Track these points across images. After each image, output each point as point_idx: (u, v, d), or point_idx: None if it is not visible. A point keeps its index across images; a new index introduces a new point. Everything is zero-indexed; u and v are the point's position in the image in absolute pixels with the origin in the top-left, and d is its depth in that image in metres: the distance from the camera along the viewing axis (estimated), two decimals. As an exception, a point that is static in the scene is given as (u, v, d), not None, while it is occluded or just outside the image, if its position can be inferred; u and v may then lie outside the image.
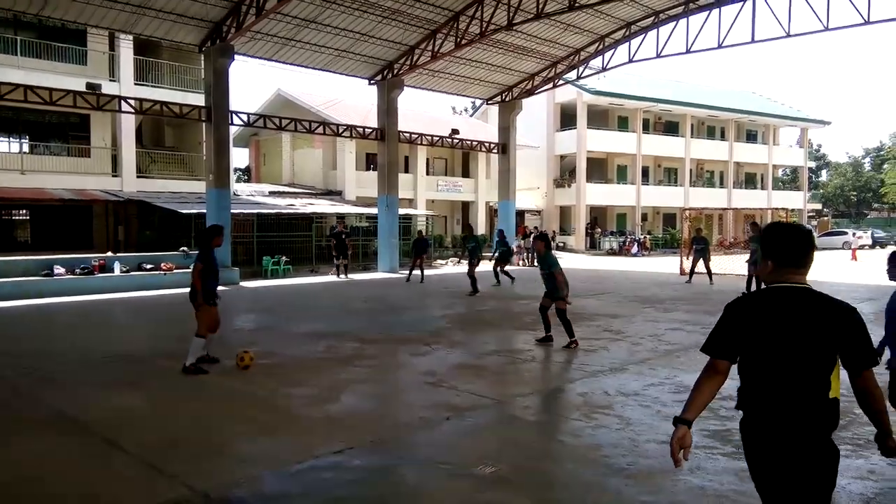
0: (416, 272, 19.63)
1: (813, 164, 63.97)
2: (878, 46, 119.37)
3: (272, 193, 28.99)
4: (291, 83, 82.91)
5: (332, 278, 20.80)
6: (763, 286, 2.69)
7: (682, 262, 22.39)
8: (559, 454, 5.06)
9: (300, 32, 19.98)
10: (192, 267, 7.63)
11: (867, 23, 18.32)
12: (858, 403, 2.66)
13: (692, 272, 18.91)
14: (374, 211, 25.01)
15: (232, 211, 20.16)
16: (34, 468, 4.71)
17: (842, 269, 24.48)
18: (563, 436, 5.50)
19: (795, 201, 49.61)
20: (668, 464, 4.69)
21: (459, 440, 5.35)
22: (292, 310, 13.69)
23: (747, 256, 17.01)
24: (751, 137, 49.30)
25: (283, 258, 22.38)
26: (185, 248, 19.21)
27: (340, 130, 24.54)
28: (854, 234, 41.38)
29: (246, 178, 41.06)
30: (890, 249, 14.93)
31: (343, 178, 31.48)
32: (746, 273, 15.92)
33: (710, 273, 18.55)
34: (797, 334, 2.55)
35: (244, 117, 21.85)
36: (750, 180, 49.65)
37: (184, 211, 21.09)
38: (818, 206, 58.60)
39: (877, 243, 42.34)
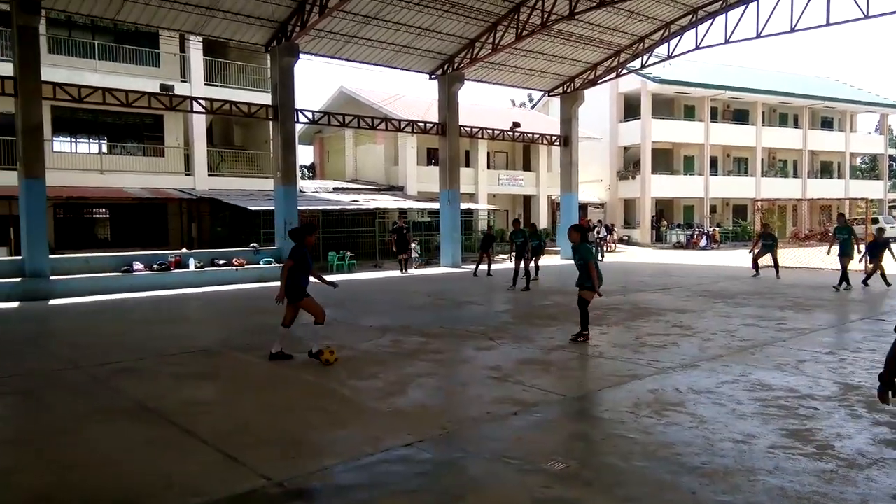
0: (483, 266, 19.54)
1: (894, 152, 60.59)
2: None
3: (336, 189, 29.52)
4: (353, 80, 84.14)
5: (395, 273, 21.03)
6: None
7: (754, 255, 21.62)
8: (630, 451, 4.97)
9: (362, 29, 20.22)
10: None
11: (957, -1, 17.21)
12: None
13: (756, 265, 18.42)
14: (435, 206, 25.14)
15: (298, 207, 20.63)
16: (115, 454, 4.94)
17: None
18: (633, 433, 5.39)
19: (876, 191, 47.17)
20: (744, 463, 4.57)
21: (527, 435, 5.32)
22: (358, 304, 13.90)
23: (829, 249, 16.38)
24: (826, 124, 47.11)
25: (348, 253, 22.77)
26: (255, 245, 19.79)
27: (402, 126, 24.74)
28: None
29: (311, 174, 41.90)
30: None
31: (405, 174, 31.76)
32: (840, 266, 15.20)
33: (777, 267, 18.00)
34: None
35: (309, 115, 22.27)
36: (826, 169, 47.49)
37: (253, 208, 21.70)
38: (901, 195, 55.45)
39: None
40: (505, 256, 27.70)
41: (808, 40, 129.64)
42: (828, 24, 19.45)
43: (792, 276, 18.22)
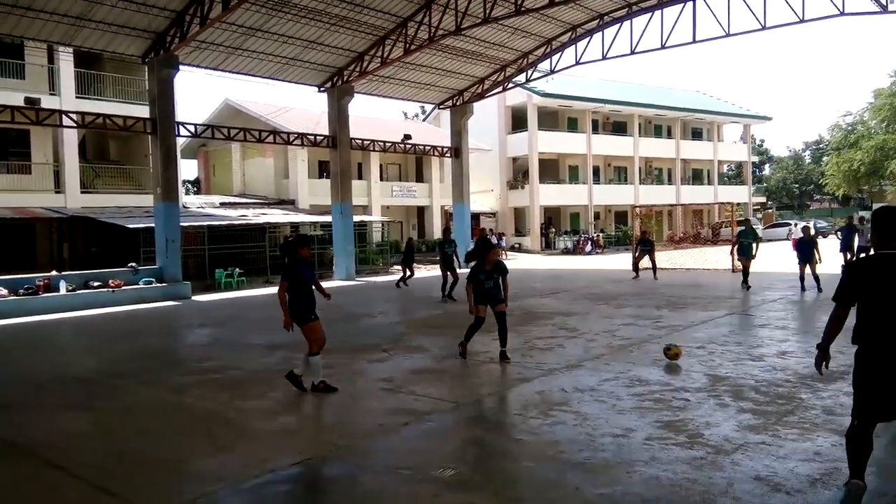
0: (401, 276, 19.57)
1: (756, 159, 66.00)
2: (813, 43, 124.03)
3: (223, 205, 28.51)
4: (240, 92, 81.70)
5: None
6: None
7: (634, 257, 22.82)
8: (519, 453, 5.10)
9: (247, 41, 19.72)
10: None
11: (802, 21, 19.06)
12: None
13: (636, 267, 19.62)
14: (328, 219, 24.82)
15: (181, 224, 19.75)
16: (-23, 498, 4.53)
17: (786, 259, 25.29)
18: (521, 434, 5.54)
19: (741, 195, 51.10)
20: (623, 456, 4.80)
21: (419, 444, 5.34)
22: (246, 322, 13.47)
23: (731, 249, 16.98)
24: (696, 135, 50.63)
25: (237, 270, 22.03)
26: (133, 264, 18.74)
27: (291, 139, 24.29)
28: (797, 226, 42.80)
29: (195, 189, 40.27)
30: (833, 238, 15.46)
31: (296, 187, 31.17)
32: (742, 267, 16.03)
33: (655, 269, 19.15)
34: None
35: (191, 128, 21.43)
36: (697, 176, 50.97)
37: (131, 226, 20.56)
38: (762, 200, 60.44)
39: (819, 233, 43.82)
40: (400, 268, 27.76)
41: (677, 56, 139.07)
42: (694, 41, 20.99)
43: (667, 276, 19.37)
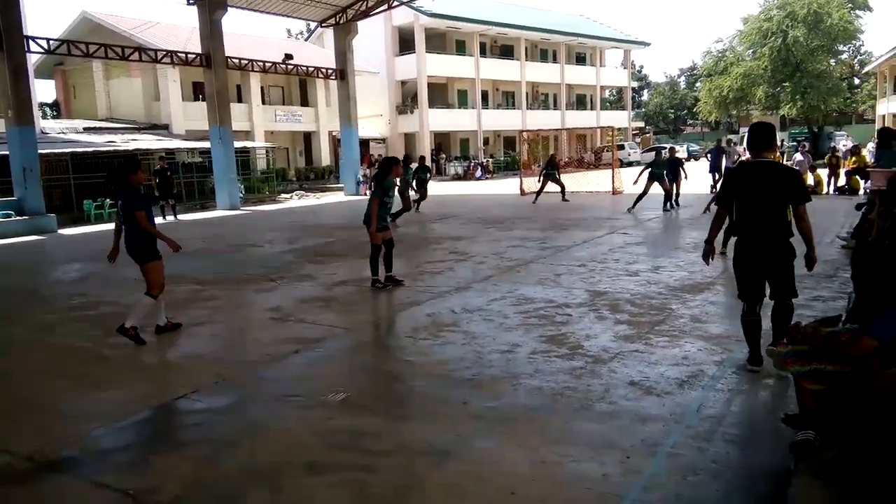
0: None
1: (636, 85, 68.25)
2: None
3: (87, 130, 26.23)
4: (98, 4, 74.19)
5: (159, 221, 19.35)
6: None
7: (521, 182, 23.32)
8: (409, 374, 5.16)
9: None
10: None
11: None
12: (796, 226, 4.50)
13: (540, 193, 19.68)
14: (207, 145, 23.45)
15: (40, 151, 18.03)
16: None
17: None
18: (411, 356, 5.60)
19: (621, 120, 53.00)
20: (509, 370, 4.96)
21: (308, 372, 5.29)
22: (120, 255, 12.65)
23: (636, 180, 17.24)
24: (580, 60, 51.51)
25: (108, 200, 20.54)
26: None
27: (160, 57, 22.44)
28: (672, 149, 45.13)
29: (54, 113, 36.71)
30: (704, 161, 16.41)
31: (168, 111, 29.08)
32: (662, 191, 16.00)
33: (563, 191, 19.48)
34: (767, 186, 4.51)
35: (44, 44, 19.28)
36: (581, 101, 52.20)
37: (-21, 153, 18.52)
38: (641, 124, 63.08)
39: (691, 156, 46.45)
40: (288, 196, 26.96)
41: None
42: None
43: (552, 199, 19.94)
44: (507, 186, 26.89)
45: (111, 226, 17.83)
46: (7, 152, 17.51)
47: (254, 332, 6.73)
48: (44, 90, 37.63)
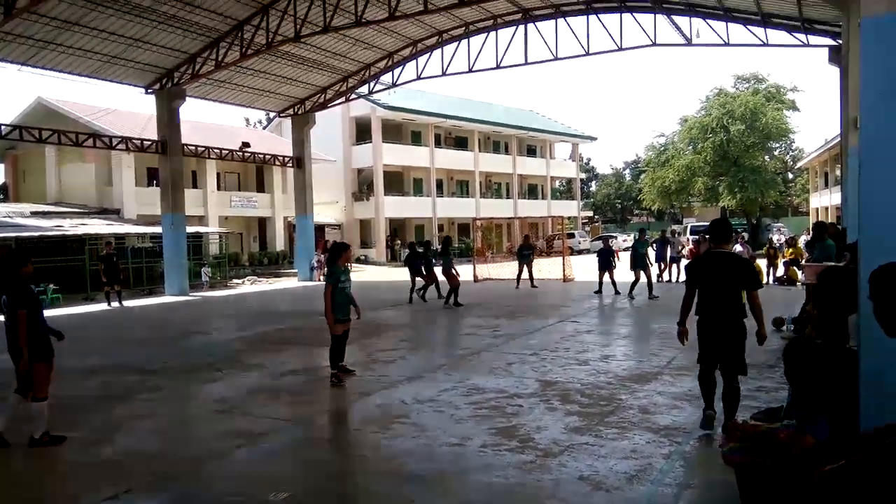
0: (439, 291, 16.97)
1: (584, 176, 71.00)
2: (632, 69, 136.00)
3: (35, 214, 25.68)
4: (57, 91, 74.28)
5: (105, 307, 18.81)
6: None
7: (474, 269, 23.58)
8: (357, 469, 5.04)
9: (62, 35, 17.94)
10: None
11: (620, 49, 20.84)
12: (749, 307, 5.29)
13: (520, 278, 19.62)
14: (158, 230, 23.18)
15: (-18, 235, 17.54)
16: None
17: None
18: (361, 450, 5.48)
19: (571, 210, 54.68)
20: (459, 464, 4.89)
21: (252, 469, 5.09)
22: (62, 344, 12.18)
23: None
24: (531, 151, 53.52)
25: (51, 286, 19.91)
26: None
27: (115, 143, 22.47)
28: (619, 238, 46.59)
29: (2, 197, 35.95)
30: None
31: (121, 195, 28.79)
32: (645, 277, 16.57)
33: (531, 277, 19.64)
34: (724, 274, 5.31)
35: (-6, 128, 19.14)
36: (532, 191, 53.84)
37: (-83, 237, 17.92)
38: (590, 214, 65.11)
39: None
40: (240, 281, 26.59)
41: (512, 75, 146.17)
42: (526, 62, 22.18)
43: (507, 286, 20.18)
44: (460, 273, 27.07)
45: (54, 311, 17.24)
46: (-54, 236, 16.99)
47: (197, 425, 6.49)
48: (-9, 173, 36.95)
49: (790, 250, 19.90)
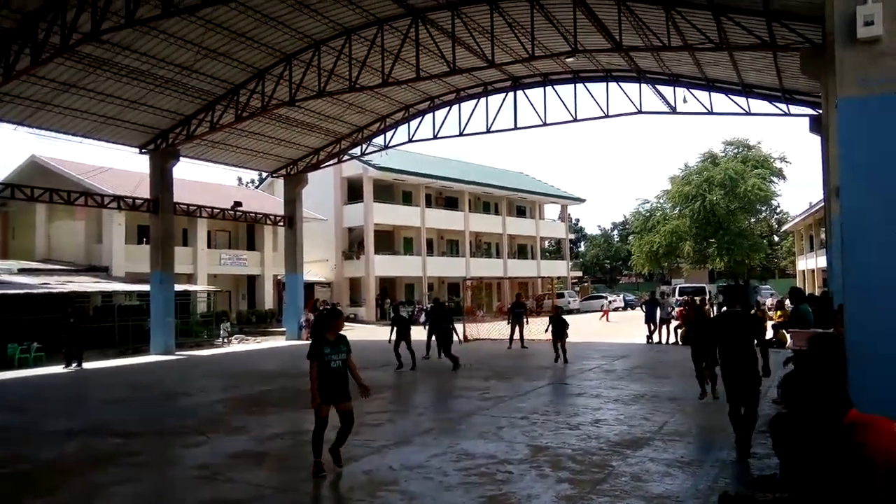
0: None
1: (573, 236, 71.65)
2: (619, 132, 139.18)
3: (22, 271, 25.52)
4: (52, 149, 74.81)
5: (93, 365, 18.49)
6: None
7: (464, 328, 23.46)
8: None
9: (59, 97, 18.25)
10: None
11: (607, 116, 21.41)
12: (759, 351, 6.72)
13: (512, 338, 19.27)
14: (146, 288, 23.04)
15: (-33, 293, 17.36)
16: None
17: (599, 330, 27.37)
18: (346, 519, 5.33)
19: (560, 270, 54.95)
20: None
21: (234, 538, 4.95)
22: (42, 405, 11.94)
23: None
24: (521, 212, 54.15)
25: (35, 344, 19.62)
26: None
27: (106, 202, 22.56)
28: (609, 299, 46.77)
29: (-11, 253, 35.72)
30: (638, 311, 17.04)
31: (110, 253, 28.73)
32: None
33: (522, 338, 19.24)
34: (739, 329, 6.63)
35: (-14, 186, 19.21)
36: (522, 251, 54.19)
37: None
38: (579, 274, 65.40)
39: (628, 305, 48.19)
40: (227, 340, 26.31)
41: (502, 138, 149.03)
42: (515, 127, 22.71)
43: (496, 347, 20.05)
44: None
45: (37, 370, 16.94)
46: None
47: (178, 492, 6.31)
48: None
49: (779, 313, 19.99)
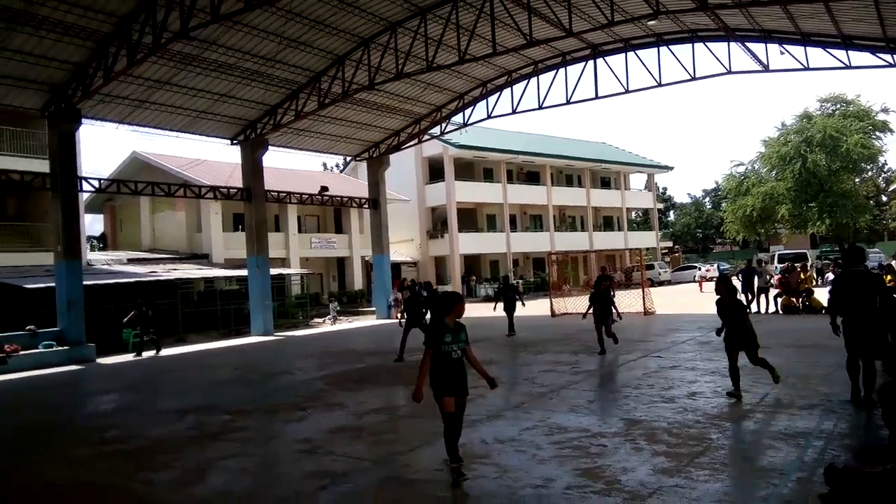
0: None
1: (661, 206, 69.38)
2: (707, 95, 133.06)
3: (131, 261, 27.31)
4: (150, 144, 79.30)
5: (207, 346, 19.60)
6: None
7: (551, 304, 23.31)
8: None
9: (155, 94, 19.28)
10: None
11: (694, 78, 20.48)
12: (881, 305, 7.25)
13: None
14: (244, 273, 24.17)
15: (85, 283, 18.74)
16: None
17: (692, 301, 26.47)
18: (442, 491, 5.45)
19: (649, 240, 53.45)
20: (543, 508, 4.78)
21: (337, 508, 5.17)
22: (155, 385, 12.80)
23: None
24: (605, 183, 52.88)
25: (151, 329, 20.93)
26: (32, 327, 17.51)
27: (203, 192, 23.72)
28: (703, 268, 45.05)
29: (101, 245, 38.42)
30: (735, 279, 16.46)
31: (209, 241, 30.30)
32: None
33: (616, 311, 18.82)
34: (862, 286, 7.26)
35: (95, 183, 20.60)
36: (608, 223, 53.02)
37: (29, 286, 19.33)
38: (670, 244, 63.40)
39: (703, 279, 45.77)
40: (321, 320, 27.25)
41: (582, 109, 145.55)
42: (596, 97, 22.08)
43: (584, 321, 19.74)
44: (537, 308, 26.81)
45: (150, 353, 18.08)
46: (54, 284, 18.25)
47: (283, 465, 6.63)
48: (93, 224, 39.71)
49: (888, 277, 18.71)
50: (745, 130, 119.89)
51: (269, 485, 6.06)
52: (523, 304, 18.19)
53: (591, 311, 13.17)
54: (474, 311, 28.35)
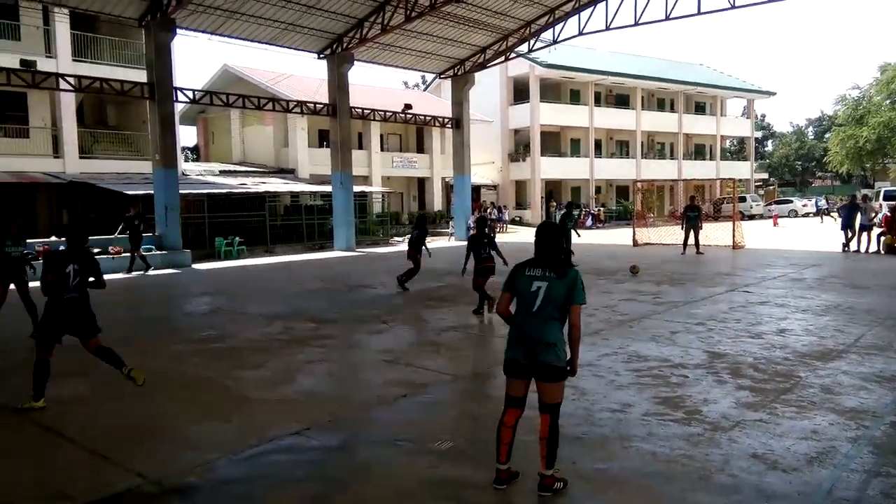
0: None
1: (759, 135, 65.51)
2: (819, 19, 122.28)
3: (222, 172, 28.34)
4: (239, 58, 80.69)
5: (288, 258, 20.37)
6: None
7: (634, 233, 22.77)
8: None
9: (244, 5, 19.38)
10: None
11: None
12: None
13: (686, 244, 18.43)
14: (328, 189, 24.69)
15: (181, 192, 19.64)
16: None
17: (787, 236, 25.26)
18: (519, 408, 5.53)
19: (743, 171, 50.83)
20: (620, 431, 4.81)
21: (416, 417, 5.35)
22: (246, 291, 13.46)
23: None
24: (699, 109, 50.14)
25: (237, 238, 21.98)
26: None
27: (291, 106, 24.05)
28: (800, 203, 42.61)
29: (195, 156, 40.01)
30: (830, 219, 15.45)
31: (295, 156, 30.97)
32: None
33: (697, 243, 18.32)
34: None
35: (189, 94, 21.20)
36: (699, 151, 50.61)
37: (130, 192, 20.44)
38: (765, 176, 60.17)
39: (820, 212, 42.63)
40: (401, 239, 27.70)
41: (682, 28, 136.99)
42: (699, 12, 20.60)
43: (668, 252, 19.29)
44: (618, 237, 26.31)
45: (239, 262, 18.88)
46: (152, 192, 19.23)
47: (365, 372, 6.91)
48: (186, 135, 41.20)
49: None
50: (858, 57, 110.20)
51: (353, 389, 6.33)
52: (578, 235, 17.26)
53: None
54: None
